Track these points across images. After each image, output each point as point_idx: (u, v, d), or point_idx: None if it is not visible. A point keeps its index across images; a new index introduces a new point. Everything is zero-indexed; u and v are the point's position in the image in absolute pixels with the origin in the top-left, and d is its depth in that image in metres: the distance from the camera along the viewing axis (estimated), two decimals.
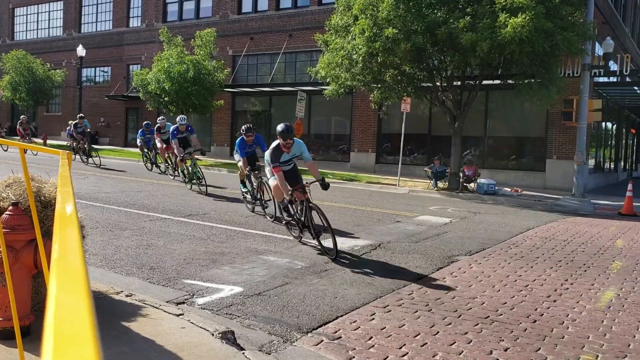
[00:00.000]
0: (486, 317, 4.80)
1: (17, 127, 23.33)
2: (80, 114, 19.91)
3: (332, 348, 3.97)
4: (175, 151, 13.07)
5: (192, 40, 23.68)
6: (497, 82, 17.42)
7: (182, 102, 23.01)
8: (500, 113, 20.50)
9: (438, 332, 4.37)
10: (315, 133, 25.09)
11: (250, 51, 26.38)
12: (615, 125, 26.07)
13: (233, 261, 6.38)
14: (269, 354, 3.82)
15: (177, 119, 13.45)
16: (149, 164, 18.01)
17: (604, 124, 22.90)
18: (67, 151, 2.66)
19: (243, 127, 10.00)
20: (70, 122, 21.31)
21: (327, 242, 6.89)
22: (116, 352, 3.48)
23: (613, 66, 19.14)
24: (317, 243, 7.08)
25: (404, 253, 7.28)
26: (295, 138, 7.43)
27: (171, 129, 13.40)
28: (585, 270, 6.79)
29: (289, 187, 7.04)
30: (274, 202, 8.80)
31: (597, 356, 4.02)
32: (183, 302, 4.79)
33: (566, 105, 17.55)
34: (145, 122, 18.47)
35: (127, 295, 4.62)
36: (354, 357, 3.83)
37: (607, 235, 9.78)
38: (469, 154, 17.80)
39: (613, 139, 26.04)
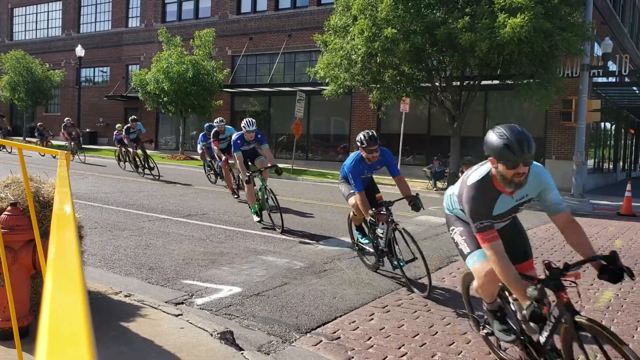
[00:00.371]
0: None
1: (62, 130, 21.34)
2: (133, 116, 16.55)
3: (331, 348, 3.97)
4: (239, 167, 9.10)
5: (191, 40, 23.69)
6: (496, 82, 17.44)
7: (181, 103, 23.02)
8: (499, 113, 20.51)
9: (437, 332, 4.37)
10: (314, 133, 25.09)
11: (250, 51, 26.38)
12: (614, 126, 26.09)
13: (232, 261, 6.38)
14: (268, 354, 3.82)
15: (243, 123, 9.12)
16: (212, 176, 14.84)
17: (602, 124, 22.92)
18: (66, 151, 2.66)
19: None
20: (118, 125, 19.40)
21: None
22: (115, 352, 3.47)
23: (612, 66, 19.16)
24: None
25: (403, 253, 7.27)
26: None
27: (234, 137, 9.42)
28: (584, 270, 6.78)
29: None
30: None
31: (596, 356, 4.02)
32: (182, 303, 4.78)
33: (565, 106, 17.56)
34: (207, 124, 14.98)
35: (125, 296, 4.62)
36: (353, 357, 3.82)
37: (606, 235, 9.79)
38: (467, 159, 17.78)
39: (612, 139, 26.06)
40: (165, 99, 22.96)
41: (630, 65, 18.64)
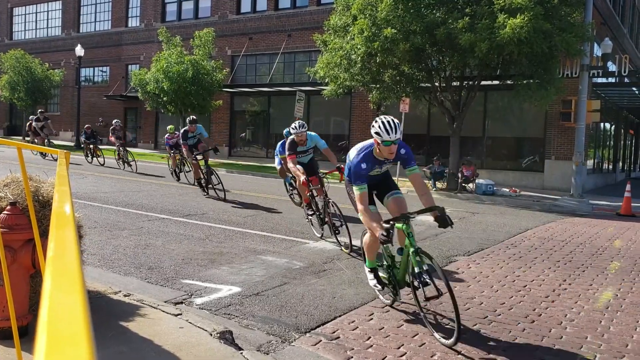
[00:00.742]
0: (484, 317, 4.80)
1: (110, 134, 18.83)
2: (192, 117, 12.41)
3: (331, 348, 3.97)
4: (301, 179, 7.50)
5: (191, 40, 23.67)
6: (495, 82, 17.43)
7: (181, 102, 23.01)
8: (499, 113, 20.52)
9: None
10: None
11: (249, 51, 26.37)
12: (613, 126, 26.10)
13: (231, 261, 6.38)
14: (267, 354, 3.82)
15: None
16: (296, 197, 10.95)
17: (602, 124, 22.92)
18: (66, 151, 2.66)
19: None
20: (170, 127, 16.35)
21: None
22: (114, 351, 3.47)
23: (611, 67, 19.15)
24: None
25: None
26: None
27: (287, 141, 8.17)
28: (584, 271, 6.79)
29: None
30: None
31: (595, 356, 4.02)
32: (181, 302, 4.78)
33: (565, 106, 17.56)
34: (286, 129, 10.19)
35: (125, 295, 4.62)
36: (352, 357, 3.82)
37: (606, 236, 9.79)
38: (467, 159, 17.76)
39: (611, 140, 26.07)
40: (164, 98, 22.95)
41: (630, 65, 18.64)
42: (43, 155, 20.31)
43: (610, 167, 25.80)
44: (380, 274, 4.95)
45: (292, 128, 7.79)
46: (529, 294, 5.59)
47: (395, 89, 16.65)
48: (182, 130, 12.46)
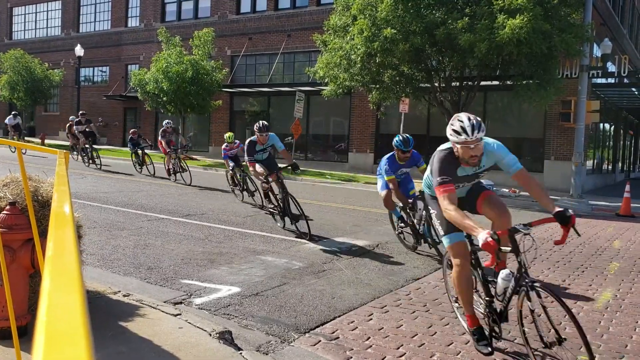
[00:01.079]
0: (484, 318, 4.79)
1: (159, 138, 15.56)
2: (263, 122, 9.02)
3: (330, 348, 3.97)
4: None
5: (191, 40, 23.67)
6: (495, 83, 17.44)
7: (181, 102, 23.01)
8: (498, 114, 20.53)
9: (436, 332, 4.37)
10: (313, 133, 25.09)
11: (249, 51, 26.37)
12: (613, 127, 26.11)
13: (231, 261, 6.37)
14: (267, 354, 3.81)
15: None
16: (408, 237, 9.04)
17: (602, 125, 22.93)
18: (65, 151, 2.65)
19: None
20: (228, 134, 12.25)
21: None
22: (113, 352, 3.47)
23: (611, 67, 19.17)
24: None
25: (401, 253, 7.28)
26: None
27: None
28: (583, 271, 6.79)
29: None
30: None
31: (595, 357, 4.02)
32: (181, 302, 4.78)
33: (564, 107, 17.57)
34: (398, 138, 7.39)
35: (124, 295, 4.62)
36: (351, 357, 3.82)
37: (605, 236, 9.79)
38: None
39: (611, 140, 26.08)
40: (164, 98, 22.95)
41: (630, 66, 18.65)
42: (87, 162, 18.47)
43: (610, 167, 25.81)
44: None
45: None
46: None
47: (394, 89, 16.65)
48: (247, 141, 8.83)
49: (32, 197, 3.66)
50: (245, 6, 26.89)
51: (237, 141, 12.08)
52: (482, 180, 4.23)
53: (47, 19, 36.19)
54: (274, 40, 25.48)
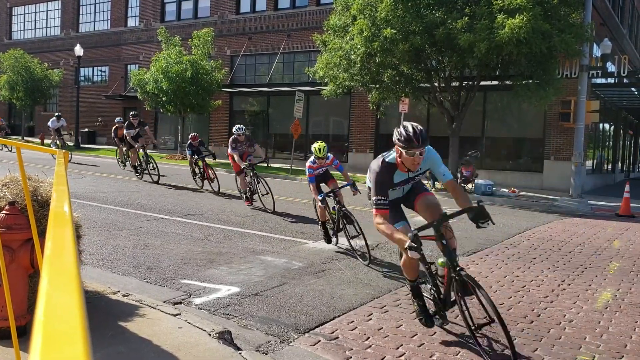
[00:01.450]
0: (483, 318, 4.79)
1: (229, 150, 10.92)
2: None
3: (329, 348, 3.96)
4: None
5: (190, 40, 23.67)
6: (495, 83, 17.44)
7: (180, 102, 23.01)
8: (498, 114, 20.53)
9: (435, 332, 4.37)
10: (313, 133, 25.07)
11: (248, 51, 26.37)
12: (612, 127, 26.11)
13: (230, 261, 6.37)
14: (266, 354, 3.81)
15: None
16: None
17: (601, 125, 22.93)
18: (65, 151, 2.65)
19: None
20: (319, 146, 7.50)
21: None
22: (113, 352, 3.46)
23: (611, 67, 19.16)
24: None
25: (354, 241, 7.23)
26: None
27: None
28: (583, 271, 6.80)
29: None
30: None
31: (594, 357, 4.02)
32: (180, 302, 4.78)
33: (564, 107, 17.57)
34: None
35: (124, 295, 4.61)
36: (351, 357, 3.82)
37: (605, 236, 9.79)
38: (473, 153, 17.47)
39: (611, 140, 26.09)
40: (164, 98, 22.95)
41: (629, 66, 18.66)
42: (140, 173, 14.90)
43: (610, 167, 25.82)
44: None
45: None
46: (527, 295, 5.59)
47: (394, 89, 16.65)
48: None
49: (32, 197, 3.65)
50: (245, 6, 26.88)
51: (330, 155, 7.63)
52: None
53: (47, 19, 36.18)
54: (274, 40, 25.48)
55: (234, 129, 11.04)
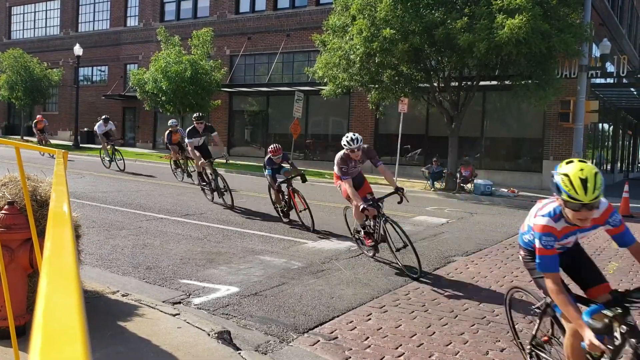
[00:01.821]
0: (483, 318, 4.80)
1: (335, 171, 7.10)
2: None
3: (329, 348, 3.97)
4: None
5: (190, 39, 23.66)
6: (494, 83, 17.45)
7: (180, 102, 23.00)
8: (497, 114, 20.53)
9: (434, 332, 4.37)
10: (312, 133, 25.08)
11: (248, 51, 26.36)
12: (611, 127, 26.14)
13: (230, 261, 6.37)
14: (265, 354, 3.81)
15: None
16: None
17: (600, 125, 22.96)
18: (64, 150, 2.65)
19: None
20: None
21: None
22: (112, 351, 3.46)
23: (610, 67, 19.18)
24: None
25: (400, 253, 7.27)
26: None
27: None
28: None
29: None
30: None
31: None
32: (179, 302, 4.78)
33: (563, 107, 17.58)
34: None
35: (123, 295, 4.61)
36: (350, 357, 3.82)
37: (604, 236, 9.79)
38: (471, 155, 17.58)
39: (610, 140, 26.11)
40: (163, 98, 22.93)
41: (628, 66, 18.68)
42: (211, 193, 11.30)
43: (609, 167, 25.84)
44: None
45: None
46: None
47: (393, 89, 16.65)
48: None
49: (31, 196, 3.65)
50: (244, 6, 26.87)
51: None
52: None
53: (46, 19, 36.14)
54: (273, 40, 25.48)
55: (344, 142, 6.79)
